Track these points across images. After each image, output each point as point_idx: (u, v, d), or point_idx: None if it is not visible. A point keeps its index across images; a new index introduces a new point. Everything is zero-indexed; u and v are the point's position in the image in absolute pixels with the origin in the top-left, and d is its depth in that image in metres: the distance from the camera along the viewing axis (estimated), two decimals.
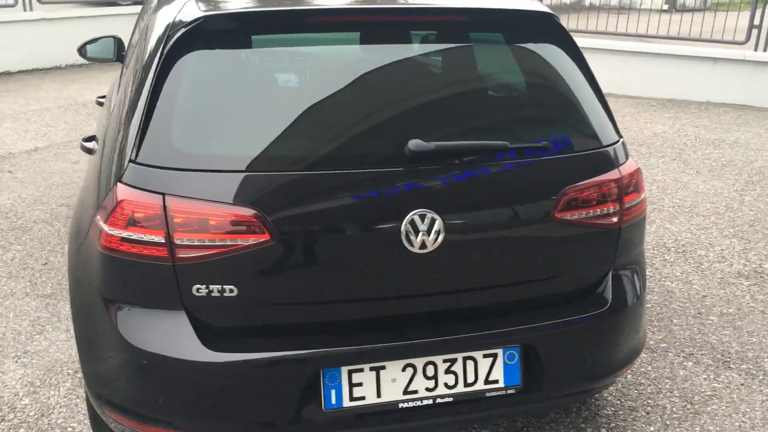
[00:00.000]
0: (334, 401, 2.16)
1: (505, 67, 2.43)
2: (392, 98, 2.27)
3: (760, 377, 3.30)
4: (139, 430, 2.24)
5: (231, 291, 2.09)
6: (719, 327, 3.70)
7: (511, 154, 2.22)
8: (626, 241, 2.41)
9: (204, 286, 2.08)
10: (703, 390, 3.19)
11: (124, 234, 2.10)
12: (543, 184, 2.26)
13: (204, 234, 2.05)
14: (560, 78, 2.39)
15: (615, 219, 2.35)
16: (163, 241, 2.06)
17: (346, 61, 2.37)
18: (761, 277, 4.25)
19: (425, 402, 2.21)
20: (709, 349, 3.50)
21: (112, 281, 2.18)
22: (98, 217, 2.20)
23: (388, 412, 2.20)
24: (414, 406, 2.21)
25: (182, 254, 2.07)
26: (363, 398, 2.18)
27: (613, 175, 2.34)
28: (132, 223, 2.09)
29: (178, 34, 2.19)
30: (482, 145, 2.20)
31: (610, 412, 3.00)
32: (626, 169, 2.39)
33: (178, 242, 2.06)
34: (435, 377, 2.21)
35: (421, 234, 2.11)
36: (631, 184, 2.38)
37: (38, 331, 3.57)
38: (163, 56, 2.19)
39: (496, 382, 2.26)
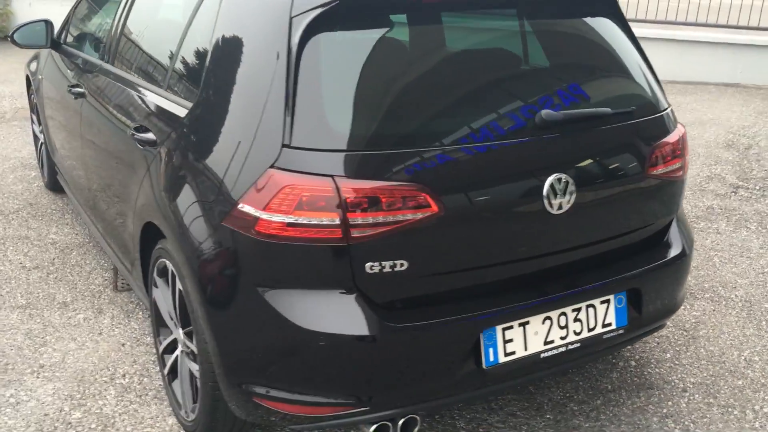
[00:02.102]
0: (492, 358, 2.31)
1: (584, 40, 2.65)
2: (516, 72, 2.43)
3: (723, 303, 3.84)
4: (305, 413, 2.25)
5: (402, 265, 2.16)
6: None
7: (613, 119, 2.47)
8: (682, 191, 2.76)
9: (377, 263, 2.14)
10: (688, 319, 3.67)
11: (290, 219, 2.10)
12: (637, 144, 2.54)
13: (376, 212, 2.11)
14: (627, 51, 2.67)
15: (680, 172, 2.68)
16: (338, 223, 2.09)
17: (475, 38, 2.48)
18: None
19: (560, 350, 2.42)
20: None
21: (273, 268, 2.16)
22: (243, 206, 2.16)
23: (533, 363, 2.38)
24: (552, 355, 2.41)
25: (356, 234, 2.11)
26: (514, 353, 2.34)
27: (677, 133, 2.67)
28: (300, 207, 2.09)
29: (312, 16, 2.19)
30: (598, 112, 2.42)
31: (632, 347, 3.38)
32: (680, 129, 2.73)
33: (352, 222, 2.09)
34: (566, 326, 2.43)
35: (559, 196, 2.30)
36: (685, 142, 2.73)
37: (40, 344, 3.32)
38: (297, 39, 2.18)
39: (610, 324, 2.52)
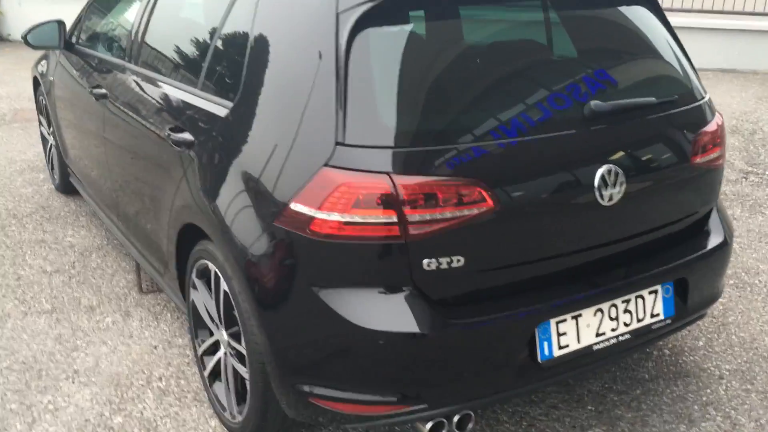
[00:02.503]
0: (546, 352, 2.30)
1: (622, 30, 2.64)
2: (560, 64, 2.41)
3: (748, 289, 3.86)
4: (361, 412, 2.23)
5: (458, 261, 2.15)
6: None
7: (657, 108, 2.47)
8: (721, 179, 2.76)
9: (434, 259, 2.12)
10: (716, 306, 3.68)
11: (347, 218, 2.08)
12: (681, 133, 2.53)
13: (433, 209, 2.09)
14: (664, 40, 2.66)
15: (720, 160, 2.68)
16: (396, 220, 2.07)
17: (519, 30, 2.46)
18: None
19: (611, 341, 2.42)
20: None
21: (328, 266, 2.14)
22: (296, 205, 2.14)
23: (585, 355, 2.38)
24: (604, 347, 2.41)
25: (414, 231, 2.09)
26: (567, 346, 2.34)
27: (716, 121, 2.67)
28: (357, 205, 2.07)
29: (359, 12, 2.17)
30: (644, 102, 2.42)
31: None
32: (718, 117, 2.73)
33: (410, 219, 2.08)
34: (617, 317, 2.42)
35: (609, 187, 2.29)
36: (723, 130, 2.72)
37: (72, 348, 3.28)
38: (345, 35, 2.16)
39: (658, 314, 2.52)
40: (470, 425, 2.35)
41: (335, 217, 2.09)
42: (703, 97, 2.67)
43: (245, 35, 2.54)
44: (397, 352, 2.15)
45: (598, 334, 2.40)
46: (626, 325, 2.45)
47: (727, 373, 3.17)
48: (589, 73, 2.43)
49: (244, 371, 2.51)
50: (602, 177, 2.28)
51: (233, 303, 2.45)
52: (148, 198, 3.11)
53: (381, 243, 2.09)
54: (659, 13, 2.71)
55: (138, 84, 3.20)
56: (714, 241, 2.66)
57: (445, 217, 2.10)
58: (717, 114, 2.73)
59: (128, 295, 3.75)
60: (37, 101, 5.19)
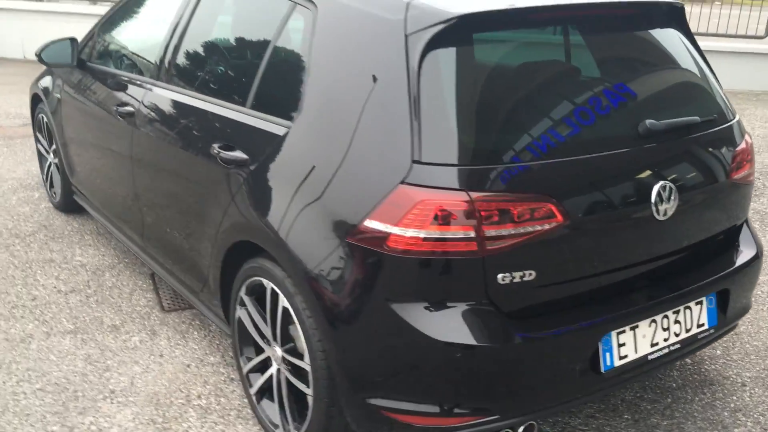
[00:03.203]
0: (608, 363, 2.38)
1: (661, 54, 2.75)
2: (612, 85, 2.51)
3: (753, 300, 4.01)
4: (433, 425, 2.28)
5: (530, 275, 2.21)
6: None
7: (701, 127, 2.58)
8: (751, 194, 2.89)
9: (508, 273, 2.19)
10: None
11: (424, 234, 2.13)
12: (721, 151, 2.65)
13: (508, 224, 2.16)
14: (697, 62, 2.78)
15: (751, 177, 2.82)
16: (473, 236, 2.13)
17: (577, 52, 2.55)
18: None
19: (663, 351, 2.51)
20: None
21: (404, 282, 2.19)
22: (371, 221, 2.19)
23: (642, 365, 2.47)
24: (657, 356, 2.50)
25: (490, 246, 2.15)
26: (626, 356, 2.42)
27: (747, 140, 2.80)
28: (435, 221, 2.12)
29: (430, 34, 2.23)
30: (690, 121, 2.53)
31: None
32: (748, 137, 2.86)
33: (487, 234, 2.14)
34: (668, 328, 2.52)
35: (664, 202, 2.40)
36: (752, 147, 2.86)
37: (103, 369, 3.25)
38: (416, 57, 2.22)
39: (703, 325, 2.62)
40: None
41: (413, 233, 2.14)
42: (734, 117, 2.80)
43: (302, 56, 2.58)
44: (473, 365, 2.20)
45: (652, 344, 2.48)
46: (676, 335, 2.54)
47: (749, 380, 3.29)
48: (638, 93, 2.53)
49: (304, 388, 2.52)
50: (658, 192, 2.38)
51: (295, 319, 2.47)
52: (185, 217, 3.11)
53: (459, 258, 2.15)
54: (690, 36, 2.84)
55: (174, 103, 3.21)
56: (749, 253, 2.78)
57: (519, 232, 2.17)
58: (746, 133, 2.86)
59: (151, 314, 3.72)
60: (34, 119, 5.12)
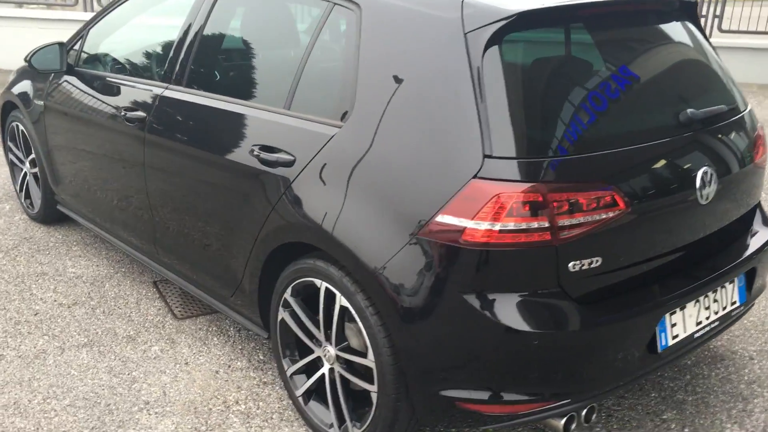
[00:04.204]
0: (664, 342, 2.49)
1: (684, 46, 2.88)
2: (657, 76, 2.62)
3: None
4: (507, 412, 2.34)
5: (597, 261, 2.30)
6: None
7: (727, 114, 2.73)
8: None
9: (578, 261, 2.27)
10: None
11: (500, 226, 2.19)
12: (745, 136, 2.81)
13: (579, 214, 2.24)
14: (711, 54, 2.93)
15: (766, 161, 2.99)
16: (547, 226, 2.21)
17: (618, 47, 2.63)
18: None
19: (705, 329, 2.65)
20: None
21: (479, 274, 2.24)
22: (444, 216, 2.23)
23: (688, 343, 2.59)
24: (700, 334, 2.63)
25: (563, 235, 2.23)
26: (677, 336, 2.54)
27: (762, 128, 2.97)
28: (511, 214, 2.18)
29: (490, 31, 2.29)
30: (721, 109, 2.67)
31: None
32: (759, 124, 3.03)
33: (560, 224, 2.21)
34: (709, 307, 2.65)
35: (707, 187, 2.52)
36: (765, 134, 3.03)
37: (130, 380, 3.18)
38: (478, 54, 2.28)
39: (735, 302, 2.77)
40: (593, 416, 2.50)
41: (489, 226, 2.19)
42: (748, 106, 2.96)
43: (348, 56, 2.59)
44: (549, 351, 2.27)
45: (697, 323, 2.61)
46: (715, 313, 2.68)
47: (755, 354, 3.47)
48: (672, 85, 2.65)
49: (367, 385, 2.54)
50: (701, 178, 2.50)
51: (356, 317, 2.49)
52: (213, 222, 3.07)
53: (534, 248, 2.21)
54: (701, 30, 2.98)
55: (197, 107, 3.15)
56: (766, 234, 2.95)
57: (588, 221, 2.25)
58: (757, 120, 3.03)
59: (164, 323, 3.66)
60: (5, 128, 4.93)
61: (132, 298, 3.89)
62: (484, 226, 2.19)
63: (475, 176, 2.22)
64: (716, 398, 3.13)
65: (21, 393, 3.07)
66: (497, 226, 2.19)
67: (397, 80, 2.45)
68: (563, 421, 2.39)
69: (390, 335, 2.41)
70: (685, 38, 2.85)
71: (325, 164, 2.57)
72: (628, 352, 2.41)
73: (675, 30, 2.81)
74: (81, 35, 4.09)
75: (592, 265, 2.30)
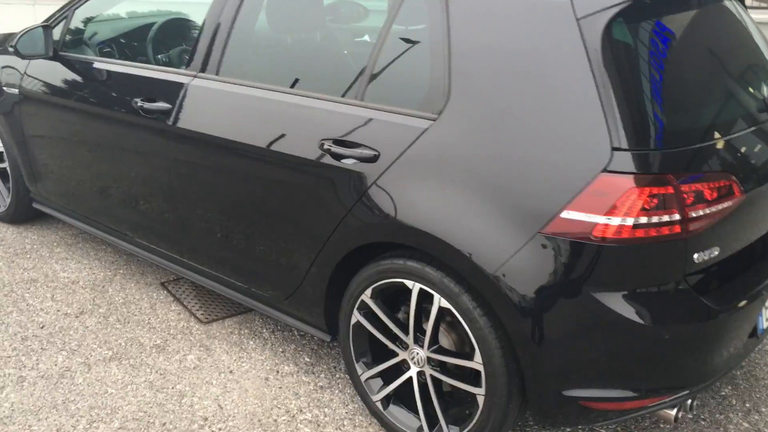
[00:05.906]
0: (762, 326, 2.52)
1: (749, 27, 2.87)
2: (744, 61, 2.61)
3: None
4: (629, 408, 2.31)
5: (716, 251, 2.28)
6: None
7: None
8: None
9: (702, 252, 2.24)
10: None
11: (634, 221, 2.13)
12: None
13: (705, 204, 2.21)
14: (758, 33, 2.96)
15: None
16: (679, 219, 2.16)
17: (720, 30, 2.59)
18: None
19: None
20: None
21: (609, 269, 2.18)
22: (570, 212, 2.15)
23: None
24: None
25: (692, 227, 2.19)
26: None
27: None
28: (644, 207, 2.13)
29: (606, 16, 2.20)
30: None
31: None
32: None
33: (691, 216, 2.18)
34: None
35: None
36: None
37: (176, 395, 2.95)
38: (595, 41, 2.19)
39: None
40: (696, 403, 2.50)
41: (621, 221, 2.12)
42: None
43: (437, 44, 2.44)
44: (678, 345, 2.24)
45: None
46: None
47: None
48: (753, 69, 2.65)
49: (472, 389, 2.44)
50: None
51: (461, 319, 2.38)
52: (266, 222, 2.86)
53: (667, 242, 2.16)
54: (745, 8, 3.00)
55: (244, 98, 2.89)
56: None
57: (713, 211, 2.22)
58: None
59: (190, 328, 3.42)
60: None
61: (144, 303, 3.61)
62: (617, 221, 2.12)
63: (604, 170, 2.13)
64: (761, 371, 3.21)
65: (61, 418, 2.79)
66: (630, 221, 2.12)
67: (501, 70, 2.32)
68: (675, 411, 2.38)
69: (500, 336, 2.32)
70: (748, 19, 2.85)
71: (420, 159, 2.42)
72: (742, 337, 2.41)
73: (740, 11, 2.80)
74: (65, 15, 3.70)
75: (712, 255, 2.27)
